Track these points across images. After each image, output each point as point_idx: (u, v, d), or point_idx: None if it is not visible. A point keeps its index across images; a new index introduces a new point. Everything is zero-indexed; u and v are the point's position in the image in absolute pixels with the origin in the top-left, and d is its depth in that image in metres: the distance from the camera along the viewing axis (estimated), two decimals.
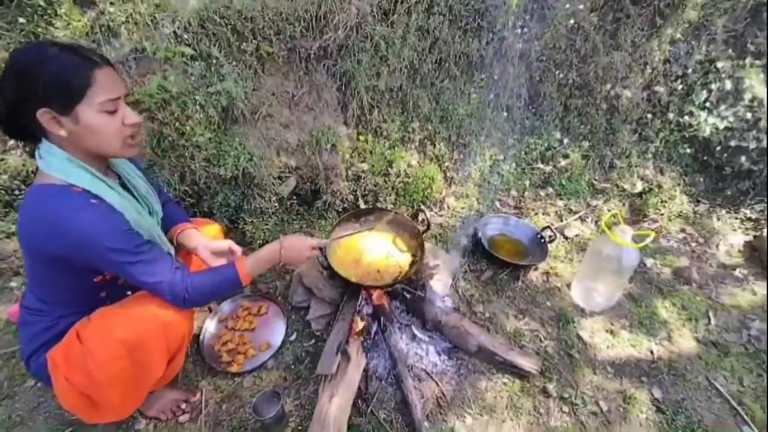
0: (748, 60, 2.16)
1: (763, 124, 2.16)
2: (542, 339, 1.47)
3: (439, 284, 1.51)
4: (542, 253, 1.72)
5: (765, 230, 2.01)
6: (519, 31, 1.90)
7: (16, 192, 1.43)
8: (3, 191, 1.41)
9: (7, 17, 1.33)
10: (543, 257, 1.70)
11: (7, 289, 1.38)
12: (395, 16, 1.68)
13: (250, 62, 1.49)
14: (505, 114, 2.08)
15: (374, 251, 1.49)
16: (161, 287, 0.82)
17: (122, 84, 0.79)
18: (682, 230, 2.12)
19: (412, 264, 1.44)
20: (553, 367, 1.37)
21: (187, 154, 1.41)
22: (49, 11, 1.33)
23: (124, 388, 0.84)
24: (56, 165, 0.75)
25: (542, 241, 1.75)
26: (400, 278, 1.37)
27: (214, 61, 1.42)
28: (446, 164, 1.96)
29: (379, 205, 1.79)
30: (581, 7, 1.90)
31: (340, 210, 1.77)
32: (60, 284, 0.83)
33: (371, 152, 1.79)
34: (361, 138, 1.79)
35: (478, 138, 2.01)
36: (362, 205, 1.77)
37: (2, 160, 1.40)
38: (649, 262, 1.88)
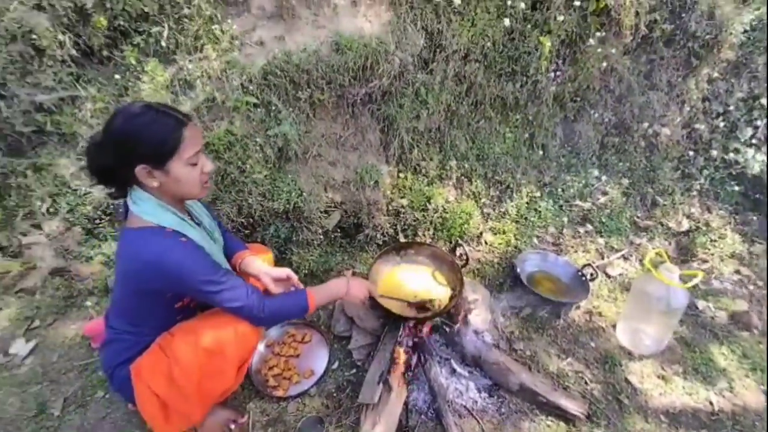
0: None
1: None
2: (588, 381, 1.43)
3: (479, 319, 1.53)
4: (584, 291, 1.70)
5: None
6: (552, 74, 2.01)
7: (97, 221, 1.63)
8: (86, 220, 1.61)
9: (105, 74, 1.59)
10: (585, 295, 1.69)
11: (83, 308, 1.54)
12: (434, 64, 1.83)
13: (304, 108, 1.67)
14: (541, 152, 2.15)
15: (414, 284, 1.54)
16: (242, 311, 0.96)
17: (201, 136, 0.94)
18: (737, 272, 2.03)
19: (451, 298, 1.48)
20: (601, 412, 1.33)
21: (245, 189, 1.57)
22: (138, 68, 1.58)
23: (200, 394, 0.94)
24: (149, 210, 0.89)
25: (583, 278, 1.74)
26: (440, 311, 1.41)
27: (273, 107, 1.61)
28: (483, 200, 2.03)
29: (417, 239, 1.87)
30: (613, 51, 1.99)
31: (381, 243, 1.86)
32: (147, 309, 0.97)
33: (410, 188, 1.90)
34: (402, 175, 1.91)
35: (514, 175, 2.07)
36: (402, 239, 1.85)
37: (88, 193, 1.62)
38: (701, 304, 1.81)
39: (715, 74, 2.23)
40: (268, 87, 1.61)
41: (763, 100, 2.20)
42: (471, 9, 1.81)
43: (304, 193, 1.63)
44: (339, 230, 1.83)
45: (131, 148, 0.83)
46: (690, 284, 1.38)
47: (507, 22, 1.78)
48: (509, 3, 1.76)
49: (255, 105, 1.60)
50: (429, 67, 1.85)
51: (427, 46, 1.82)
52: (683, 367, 1.52)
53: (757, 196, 2.25)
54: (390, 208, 1.87)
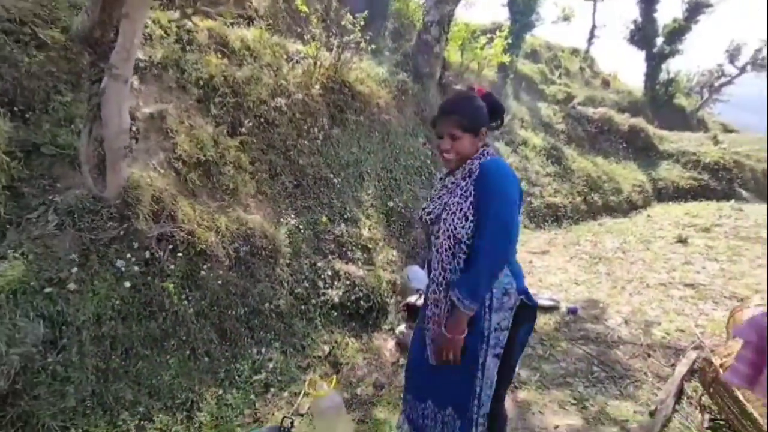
0: None
1: None
2: None
3: None
4: None
5: None
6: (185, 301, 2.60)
7: None
8: None
9: None
10: None
11: None
12: (64, 340, 2.00)
13: None
14: None
15: None
16: None
17: None
18: None
19: None
20: None
21: None
22: None
23: None
24: None
25: None
26: None
27: None
28: None
29: None
30: None
31: None
32: None
33: None
34: None
35: None
36: None
37: None
38: None
39: None
40: None
41: None
42: (88, 283, 2.17)
43: None
44: None
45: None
46: None
47: (127, 283, 2.26)
48: (123, 269, 2.26)
49: None
50: (59, 344, 1.99)
51: (50, 328, 1.98)
52: None
53: None
54: None
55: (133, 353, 2.20)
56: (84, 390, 1.97)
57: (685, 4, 12.86)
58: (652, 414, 2.22)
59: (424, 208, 1.56)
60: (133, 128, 2.46)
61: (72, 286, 2.10)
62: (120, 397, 2.06)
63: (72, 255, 2.18)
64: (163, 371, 2.25)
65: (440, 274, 1.46)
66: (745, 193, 8.68)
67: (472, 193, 1.39)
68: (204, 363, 2.44)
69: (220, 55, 3.67)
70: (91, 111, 2.29)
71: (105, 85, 2.28)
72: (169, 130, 2.99)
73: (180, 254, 2.54)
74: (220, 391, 2.39)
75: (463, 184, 1.43)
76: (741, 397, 1.83)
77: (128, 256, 2.31)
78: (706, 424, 2.13)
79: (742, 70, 15.23)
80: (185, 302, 2.48)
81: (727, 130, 14.09)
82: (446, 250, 1.43)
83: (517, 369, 2.64)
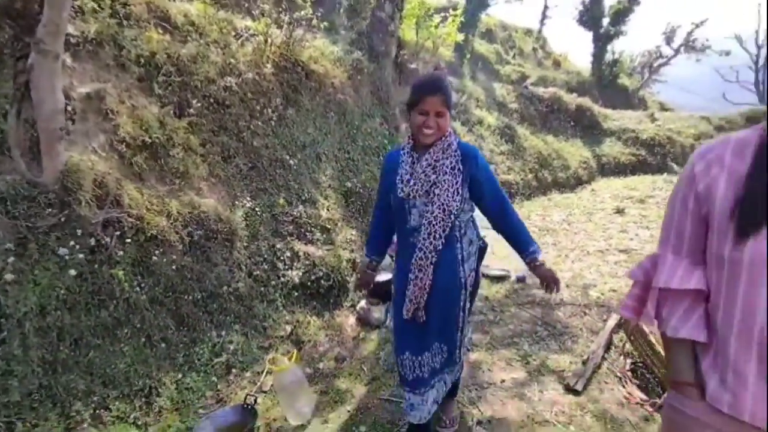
0: None
1: None
2: None
3: None
4: None
5: None
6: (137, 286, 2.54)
7: None
8: None
9: None
10: None
11: None
12: (4, 333, 1.91)
13: None
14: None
15: None
16: None
17: None
18: None
19: None
20: None
21: None
22: None
23: None
24: None
25: None
26: None
27: None
28: None
29: None
30: None
31: None
32: None
33: None
34: None
35: None
36: None
37: None
38: None
39: None
40: None
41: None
42: (28, 273, 2.07)
43: None
44: None
45: None
46: None
47: (72, 271, 2.17)
48: (67, 257, 2.18)
49: None
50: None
51: None
52: None
53: None
54: None
55: (84, 343, 2.14)
56: (30, 383, 1.92)
57: None
58: (584, 363, 2.49)
59: (405, 185, 1.64)
60: (69, 108, 2.33)
61: (9, 276, 2.00)
62: (72, 388, 2.02)
63: (7, 244, 2.06)
64: (117, 360, 2.22)
65: (430, 242, 1.61)
66: (676, 167, 9.48)
67: (461, 170, 1.59)
68: (161, 349, 2.43)
69: (161, 31, 3.47)
70: (18, 90, 2.14)
71: (33, 61, 2.13)
72: (109, 111, 2.83)
73: (129, 240, 2.47)
74: (180, 376, 2.39)
75: (448, 162, 1.59)
76: (653, 340, 2.13)
77: (71, 243, 2.21)
78: (628, 367, 2.43)
79: (677, 51, 16.33)
80: (137, 289, 2.43)
81: (664, 108, 15.16)
82: (439, 222, 1.60)
83: (469, 335, 2.86)
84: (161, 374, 2.33)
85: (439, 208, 1.58)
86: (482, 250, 1.86)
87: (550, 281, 1.70)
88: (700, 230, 0.86)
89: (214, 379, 2.48)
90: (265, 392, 2.47)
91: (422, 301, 1.66)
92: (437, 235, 1.60)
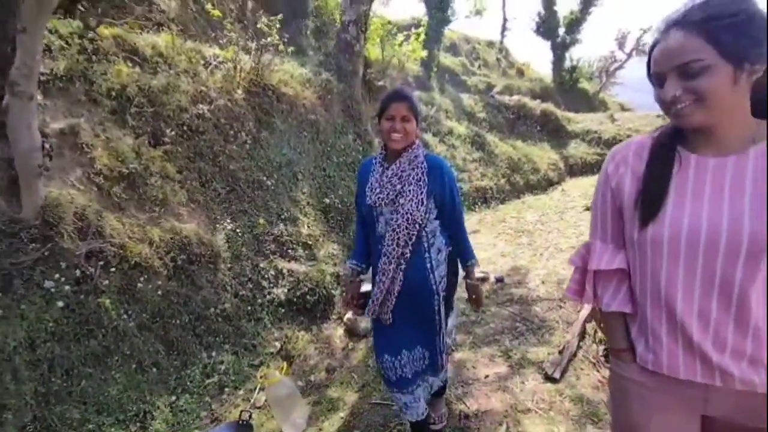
0: None
1: None
2: None
3: None
4: None
5: None
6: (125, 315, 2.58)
7: None
8: None
9: None
10: None
11: None
12: None
13: None
14: None
15: None
16: None
17: None
18: None
19: None
20: None
21: None
22: None
23: None
24: None
25: None
26: None
27: None
28: None
29: None
30: None
31: None
32: None
33: None
34: None
35: None
36: None
37: None
38: None
39: None
40: None
41: None
42: (14, 308, 2.10)
43: None
44: None
45: None
46: None
47: (59, 303, 2.22)
48: (53, 290, 2.22)
49: None
50: None
51: None
52: None
53: None
54: None
55: (75, 373, 2.18)
56: (24, 416, 1.94)
57: None
58: (561, 352, 2.67)
59: (373, 193, 1.73)
60: (47, 145, 2.40)
61: None
62: (66, 417, 2.05)
63: None
64: (109, 387, 2.26)
65: (394, 249, 1.71)
66: None
67: (426, 182, 1.67)
68: (152, 374, 2.47)
69: (131, 64, 3.57)
70: None
71: (8, 102, 2.20)
72: (84, 145, 2.90)
73: (113, 269, 2.52)
74: (173, 398, 2.44)
75: (414, 174, 1.68)
76: None
77: (57, 276, 2.26)
78: (600, 353, 2.62)
79: (629, 55, 17.36)
80: (125, 317, 2.48)
81: (624, 109, 16.03)
82: (404, 230, 1.68)
83: (453, 335, 3.00)
84: (154, 398, 2.37)
85: (404, 217, 1.65)
86: (450, 255, 1.88)
87: (479, 296, 1.90)
88: (618, 220, 1.04)
89: (208, 399, 2.53)
90: (259, 408, 2.53)
91: (388, 303, 1.75)
92: (401, 243, 1.69)
